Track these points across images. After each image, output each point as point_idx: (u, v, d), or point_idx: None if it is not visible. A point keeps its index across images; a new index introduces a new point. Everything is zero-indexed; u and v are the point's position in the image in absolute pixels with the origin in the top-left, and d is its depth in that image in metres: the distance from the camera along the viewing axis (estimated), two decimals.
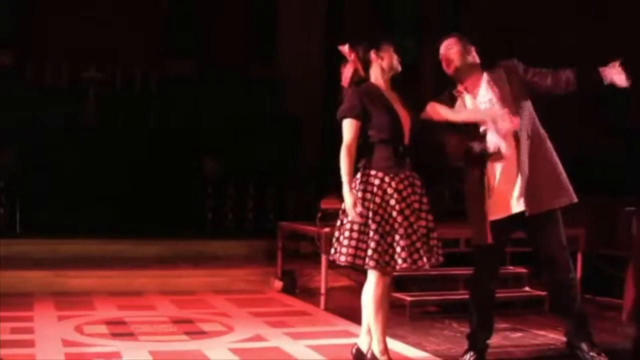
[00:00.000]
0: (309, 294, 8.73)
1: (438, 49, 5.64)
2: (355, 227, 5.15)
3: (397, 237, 5.13)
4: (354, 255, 5.16)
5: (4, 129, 11.09)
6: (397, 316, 7.67)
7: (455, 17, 12.98)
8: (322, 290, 8.10)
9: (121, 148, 11.74)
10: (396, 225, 5.14)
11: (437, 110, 5.45)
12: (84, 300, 8.15)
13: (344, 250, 5.19)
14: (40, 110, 11.93)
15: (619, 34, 9.87)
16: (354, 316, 7.46)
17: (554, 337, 6.81)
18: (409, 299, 7.80)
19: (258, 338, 6.61)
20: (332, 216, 8.21)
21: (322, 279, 8.12)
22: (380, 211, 5.15)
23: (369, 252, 5.11)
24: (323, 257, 7.98)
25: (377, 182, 5.19)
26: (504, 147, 5.39)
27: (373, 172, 5.21)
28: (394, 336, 6.62)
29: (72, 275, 8.87)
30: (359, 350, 5.57)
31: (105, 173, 11.40)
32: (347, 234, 5.19)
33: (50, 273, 8.83)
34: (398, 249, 5.13)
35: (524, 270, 8.58)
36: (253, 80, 13.18)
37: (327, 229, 7.98)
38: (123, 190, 11.34)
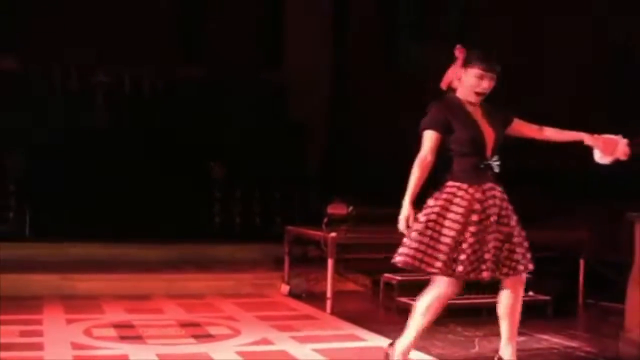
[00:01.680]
0: (316, 298, 8.71)
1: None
2: (428, 232, 5.13)
3: (465, 246, 5.12)
4: (421, 260, 5.14)
5: (13, 133, 11.19)
6: (402, 320, 7.71)
7: (462, 23, 13.01)
8: (329, 295, 8.12)
9: (130, 152, 11.81)
10: (468, 234, 5.12)
11: None
12: (92, 303, 8.20)
13: (410, 252, 5.15)
14: (49, 113, 12.03)
15: None
16: (360, 320, 7.55)
17: (557, 342, 6.87)
18: (414, 303, 7.83)
19: (265, 341, 6.65)
20: (339, 221, 8.31)
21: (329, 283, 8.14)
22: (462, 220, 5.12)
23: (441, 256, 5.10)
24: (329, 262, 8.03)
25: (460, 193, 5.17)
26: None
27: (456, 184, 5.19)
28: None
29: (81, 279, 8.93)
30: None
31: (113, 177, 11.47)
32: (416, 236, 5.14)
33: (59, 276, 8.89)
34: (463, 257, 5.11)
35: (527, 275, 8.61)
36: (260, 86, 13.26)
37: (333, 234, 8.05)
38: (131, 194, 11.41)
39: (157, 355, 6.07)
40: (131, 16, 13.12)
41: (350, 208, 8.29)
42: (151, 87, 13.18)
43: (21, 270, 8.89)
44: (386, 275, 8.52)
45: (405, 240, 5.22)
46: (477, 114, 5.30)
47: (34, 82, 12.69)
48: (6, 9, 12.42)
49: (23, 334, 6.75)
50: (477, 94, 5.27)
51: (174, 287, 9.04)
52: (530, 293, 8.45)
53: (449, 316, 7.82)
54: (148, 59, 13.10)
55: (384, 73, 13.50)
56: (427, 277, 8.41)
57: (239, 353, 6.19)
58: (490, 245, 5.18)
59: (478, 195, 5.18)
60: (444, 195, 5.20)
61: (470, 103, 5.30)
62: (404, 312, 7.80)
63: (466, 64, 5.27)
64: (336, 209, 8.28)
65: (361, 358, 6.30)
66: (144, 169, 11.65)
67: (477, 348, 6.54)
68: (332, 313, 8.02)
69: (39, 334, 6.78)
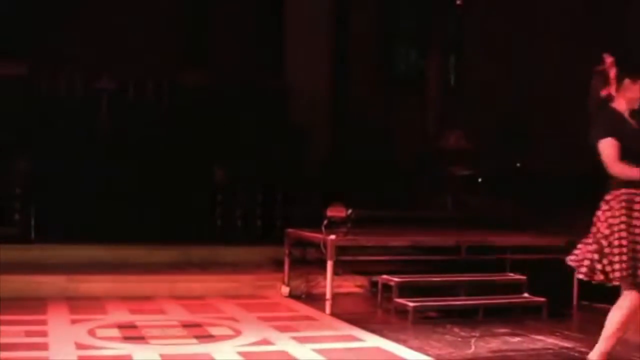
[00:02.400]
0: (315, 300, 8.82)
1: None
2: (628, 245, 5.26)
3: None
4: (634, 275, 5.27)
5: (19, 136, 11.28)
6: (400, 321, 7.85)
7: (458, 32, 13.09)
8: (328, 296, 8.21)
9: (133, 156, 11.88)
10: None
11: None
12: (96, 304, 8.29)
13: (625, 271, 5.28)
14: (54, 118, 12.12)
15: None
16: (359, 321, 7.65)
17: (552, 342, 6.96)
18: (411, 304, 7.94)
19: (265, 342, 6.75)
20: (338, 223, 8.42)
21: (328, 285, 8.24)
22: None
23: None
24: (329, 263, 8.13)
25: (637, 199, 5.31)
26: None
27: (630, 191, 5.33)
28: (397, 340, 6.80)
29: (85, 280, 9.00)
30: None
31: (117, 180, 11.55)
32: (624, 249, 5.27)
33: (64, 278, 8.95)
34: None
35: (523, 277, 8.74)
36: (261, 90, 13.32)
37: (332, 236, 8.15)
38: (135, 197, 11.48)
39: (160, 355, 6.17)
40: (134, 22, 13.22)
41: (349, 211, 8.38)
42: (155, 93, 13.26)
43: (26, 271, 8.96)
44: (384, 276, 8.62)
45: (597, 255, 5.38)
46: (633, 123, 5.47)
47: (39, 87, 12.77)
48: (12, 16, 12.51)
49: (28, 334, 6.84)
50: (636, 106, 5.45)
51: (177, 288, 9.12)
52: (526, 295, 8.58)
53: (446, 317, 7.97)
54: (151, 65, 13.19)
55: (384, 77, 13.60)
56: (426, 279, 8.59)
57: (240, 353, 6.28)
58: None
59: None
60: (626, 204, 5.32)
61: (626, 112, 5.45)
62: (402, 313, 7.97)
63: (635, 79, 5.41)
64: (335, 212, 8.38)
65: (360, 358, 6.40)
66: (147, 172, 11.72)
67: (473, 348, 6.63)
68: (332, 314, 8.11)
69: (44, 334, 6.87)
